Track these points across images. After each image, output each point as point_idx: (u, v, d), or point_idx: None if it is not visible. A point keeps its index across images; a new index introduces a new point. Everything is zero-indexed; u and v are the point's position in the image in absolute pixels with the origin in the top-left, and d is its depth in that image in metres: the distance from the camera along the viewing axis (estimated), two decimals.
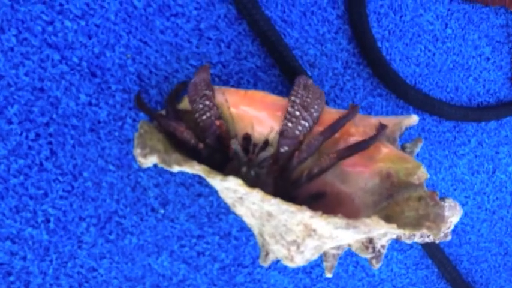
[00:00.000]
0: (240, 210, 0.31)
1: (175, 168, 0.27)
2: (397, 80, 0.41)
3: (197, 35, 0.35)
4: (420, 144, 0.34)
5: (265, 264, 0.34)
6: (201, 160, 0.32)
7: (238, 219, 0.39)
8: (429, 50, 0.43)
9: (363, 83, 0.41)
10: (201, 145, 0.31)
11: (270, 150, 0.31)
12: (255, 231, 0.32)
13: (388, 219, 0.29)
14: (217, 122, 0.32)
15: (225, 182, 0.27)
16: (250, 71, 0.38)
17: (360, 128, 0.33)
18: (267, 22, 0.36)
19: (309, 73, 0.39)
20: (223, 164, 0.32)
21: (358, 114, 0.34)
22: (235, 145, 0.30)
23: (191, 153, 0.34)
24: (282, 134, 0.32)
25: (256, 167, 0.31)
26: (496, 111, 0.47)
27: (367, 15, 0.40)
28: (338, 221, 0.26)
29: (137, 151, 0.29)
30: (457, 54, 0.45)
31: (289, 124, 0.32)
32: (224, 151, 0.32)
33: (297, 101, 0.32)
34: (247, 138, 0.32)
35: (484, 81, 0.46)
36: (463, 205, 0.49)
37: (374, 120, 0.33)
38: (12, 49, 0.31)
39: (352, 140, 0.33)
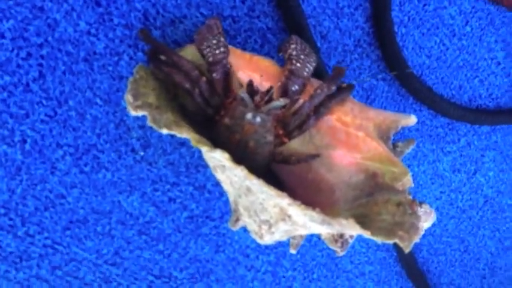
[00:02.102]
0: (220, 176, 0.31)
1: (164, 131, 0.27)
2: (404, 68, 0.41)
3: None
4: (412, 146, 0.35)
5: (234, 228, 0.35)
6: (196, 101, 0.32)
7: None
8: (443, 44, 0.43)
9: (370, 65, 0.41)
10: (203, 79, 0.31)
11: (283, 100, 0.31)
12: (231, 198, 0.33)
13: (364, 218, 0.30)
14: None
15: (211, 153, 0.27)
16: (259, 31, 0.37)
17: (357, 120, 0.33)
18: None
19: (319, 44, 0.39)
20: (217, 108, 0.33)
21: (359, 104, 0.34)
22: (243, 91, 0.30)
23: (184, 104, 0.34)
24: (292, 72, 0.32)
25: (263, 114, 0.31)
26: (493, 117, 0.47)
27: None
28: (315, 215, 0.27)
29: (129, 98, 0.29)
30: (470, 54, 0.44)
31: (298, 64, 0.32)
32: (224, 92, 0.32)
33: (298, 47, 0.32)
34: (251, 84, 0.32)
35: (489, 84, 0.47)
36: (436, 199, 0.50)
37: (373, 113, 0.34)
38: None
39: (348, 130, 0.33)
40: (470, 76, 0.45)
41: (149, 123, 0.27)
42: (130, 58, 0.34)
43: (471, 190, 0.52)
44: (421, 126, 0.46)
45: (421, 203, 0.33)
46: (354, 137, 0.33)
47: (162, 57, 0.32)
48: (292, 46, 0.32)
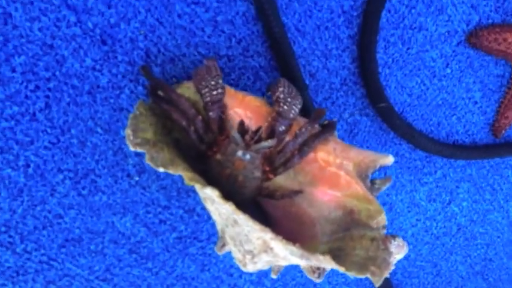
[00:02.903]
0: (210, 207, 0.34)
1: (161, 170, 0.30)
2: (382, 102, 0.45)
3: (212, 26, 0.37)
4: (388, 184, 0.38)
5: (220, 253, 0.38)
6: (191, 138, 0.35)
7: None
8: (424, 84, 0.47)
9: (355, 102, 0.45)
10: (199, 117, 0.34)
11: (271, 142, 0.34)
12: (218, 226, 0.36)
13: (340, 251, 0.34)
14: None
15: (203, 189, 0.30)
16: (253, 69, 0.40)
17: (338, 159, 0.36)
18: (281, 28, 0.39)
19: (307, 82, 0.42)
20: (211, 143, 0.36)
21: (341, 144, 0.37)
22: (235, 132, 0.34)
23: (179, 138, 0.37)
24: (280, 114, 0.35)
25: (253, 152, 0.34)
26: (468, 152, 0.51)
27: (376, 41, 0.42)
28: (295, 250, 0.30)
29: (129, 133, 0.32)
30: (449, 93, 0.48)
31: (285, 107, 0.35)
32: (218, 130, 0.36)
33: (286, 90, 0.36)
34: (242, 124, 0.35)
35: (466, 122, 0.50)
36: (412, 226, 0.54)
37: (353, 153, 0.37)
38: (32, 3, 0.33)
39: (330, 169, 0.37)
40: (448, 114, 0.49)
41: (147, 161, 0.30)
42: (131, 92, 0.37)
43: (445, 218, 0.56)
44: (400, 159, 0.49)
45: (394, 237, 0.36)
46: (335, 176, 0.36)
47: (161, 93, 0.35)
48: (280, 89, 0.35)
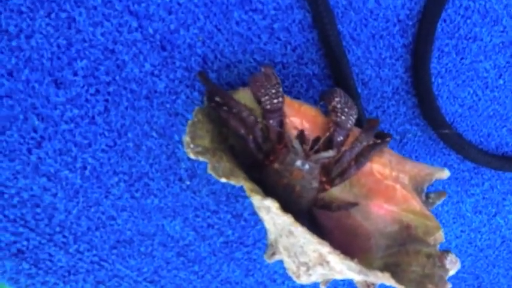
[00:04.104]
0: (264, 216, 0.34)
1: (223, 180, 0.30)
2: (437, 115, 0.44)
3: (268, 33, 0.37)
4: (443, 198, 0.37)
5: (269, 261, 0.38)
6: (249, 146, 0.35)
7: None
8: (476, 95, 0.46)
9: (406, 111, 0.44)
10: (258, 125, 0.34)
11: (332, 152, 0.34)
12: (271, 236, 0.36)
13: (396, 267, 0.33)
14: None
15: (263, 201, 0.30)
16: (306, 77, 0.40)
17: (394, 172, 0.36)
18: (336, 36, 0.38)
19: (360, 90, 0.42)
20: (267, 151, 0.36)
21: (396, 156, 0.37)
22: (296, 142, 0.34)
23: (233, 145, 0.37)
24: (338, 124, 0.35)
25: (312, 162, 0.34)
26: None
27: (431, 50, 0.42)
28: (353, 265, 0.29)
29: (187, 140, 0.32)
30: (501, 104, 0.47)
31: (343, 117, 0.35)
32: (277, 139, 0.35)
33: (342, 100, 0.35)
34: (302, 134, 0.35)
35: None
36: (456, 237, 0.53)
37: (409, 166, 0.36)
38: (95, 8, 0.33)
39: (386, 182, 0.36)
40: (499, 125, 0.48)
41: (209, 171, 0.30)
42: (187, 97, 0.37)
43: (490, 231, 0.55)
44: (448, 169, 0.49)
45: (447, 252, 0.36)
46: (391, 189, 0.36)
47: (218, 99, 0.35)
48: (337, 99, 0.35)
